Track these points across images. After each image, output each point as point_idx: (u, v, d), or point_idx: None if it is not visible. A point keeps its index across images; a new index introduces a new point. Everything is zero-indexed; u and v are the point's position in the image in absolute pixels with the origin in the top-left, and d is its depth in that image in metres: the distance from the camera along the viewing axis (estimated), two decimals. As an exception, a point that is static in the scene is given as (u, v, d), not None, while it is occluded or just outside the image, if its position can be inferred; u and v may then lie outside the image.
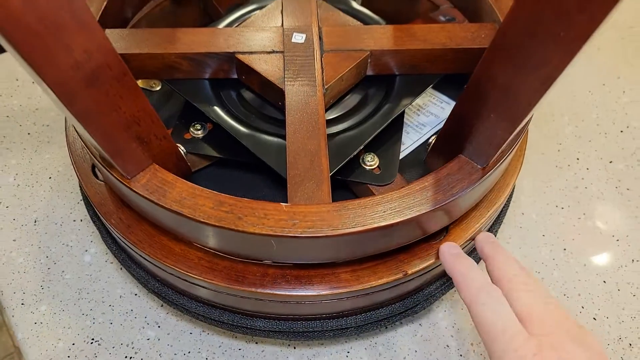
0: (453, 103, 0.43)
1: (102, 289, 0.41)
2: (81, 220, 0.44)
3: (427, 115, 0.44)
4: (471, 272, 0.30)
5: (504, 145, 0.30)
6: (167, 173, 0.30)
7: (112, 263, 0.42)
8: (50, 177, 0.47)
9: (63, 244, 0.43)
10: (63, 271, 0.42)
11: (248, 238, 0.29)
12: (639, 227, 0.45)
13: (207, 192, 0.29)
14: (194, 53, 0.36)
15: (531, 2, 0.22)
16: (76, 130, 0.32)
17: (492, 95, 0.27)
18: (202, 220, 0.28)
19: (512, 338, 0.26)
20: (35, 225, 0.44)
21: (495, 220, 0.40)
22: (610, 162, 0.49)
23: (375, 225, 0.28)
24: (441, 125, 0.42)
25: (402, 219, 0.29)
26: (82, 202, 0.45)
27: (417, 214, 0.29)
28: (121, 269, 0.42)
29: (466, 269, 0.30)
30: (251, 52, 0.37)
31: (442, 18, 0.45)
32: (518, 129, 0.28)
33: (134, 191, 0.29)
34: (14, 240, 0.43)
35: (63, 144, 0.49)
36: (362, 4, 0.46)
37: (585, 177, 0.47)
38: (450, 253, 0.32)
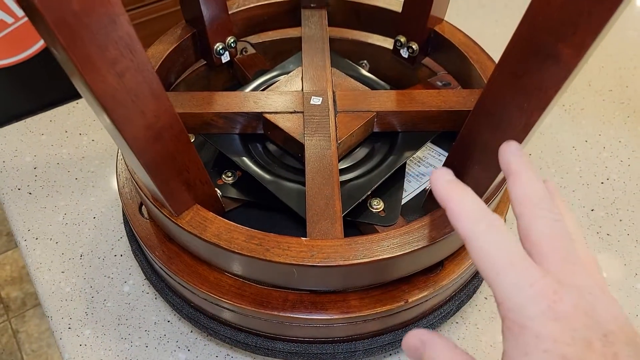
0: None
1: (139, 316, 0.46)
2: (121, 255, 0.50)
3: (427, 166, 0.50)
4: (468, 199, 0.25)
5: (488, 191, 0.36)
6: (207, 212, 0.36)
7: (147, 293, 0.48)
8: (94, 217, 0.53)
9: (105, 276, 0.49)
10: (105, 300, 0.47)
11: (273, 267, 0.34)
12: (619, 268, 0.50)
13: (240, 228, 0.35)
14: (228, 112, 0.43)
15: (499, 83, 0.29)
16: (133, 176, 0.39)
17: (475, 150, 0.33)
18: (236, 251, 0.34)
19: (525, 271, 0.21)
20: (81, 259, 0.50)
21: (486, 259, 0.46)
22: (592, 210, 0.54)
23: (381, 257, 0.34)
24: (439, 175, 0.48)
25: (403, 252, 0.34)
26: (122, 239, 0.51)
27: (416, 248, 0.34)
28: (156, 298, 0.47)
29: (462, 195, 0.25)
30: (276, 112, 0.43)
31: (439, 83, 0.52)
32: (499, 177, 0.34)
33: (180, 227, 0.35)
34: (63, 272, 0.49)
35: (106, 188, 0.55)
36: (370, 72, 0.54)
37: (569, 223, 0.53)
38: (445, 179, 0.26)
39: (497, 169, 0.33)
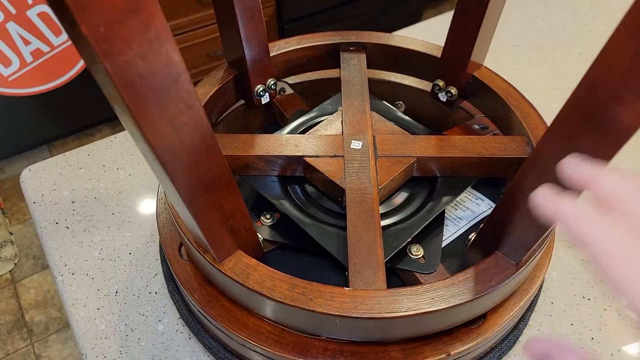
0: (487, 200, 0.49)
1: (173, 357, 0.46)
2: (156, 293, 0.50)
3: (464, 210, 0.49)
4: (580, 206, 0.23)
5: (535, 245, 0.35)
6: (250, 258, 0.36)
7: (181, 333, 0.48)
8: (130, 253, 0.53)
9: (140, 314, 0.49)
10: (139, 338, 0.47)
11: (315, 316, 0.34)
12: (663, 320, 0.48)
13: (282, 276, 0.35)
14: (269, 155, 0.44)
15: (553, 142, 0.28)
16: (176, 219, 0.39)
17: (524, 204, 0.33)
18: (279, 300, 0.34)
19: None
20: (116, 295, 0.50)
21: (527, 309, 0.45)
22: None
23: (425, 310, 0.33)
24: (477, 220, 0.48)
25: (447, 306, 0.34)
26: (157, 276, 0.51)
27: (460, 301, 0.34)
28: (190, 338, 0.47)
29: (572, 204, 0.23)
30: (317, 156, 0.44)
31: (476, 126, 0.52)
32: (547, 232, 0.34)
33: (223, 273, 0.35)
34: (98, 309, 0.49)
35: (141, 223, 0.56)
36: (405, 113, 0.54)
37: (610, 271, 0.52)
38: (549, 197, 0.25)
39: (547, 225, 0.33)
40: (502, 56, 0.78)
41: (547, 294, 0.50)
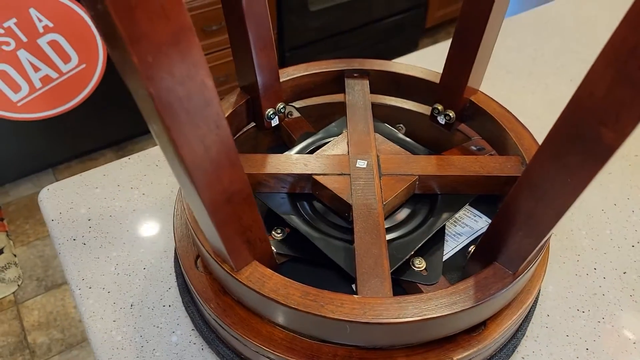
0: (484, 217, 0.52)
1: (187, 366, 0.48)
2: (169, 306, 0.52)
3: (463, 226, 0.52)
4: None
5: (530, 255, 0.38)
6: (265, 268, 0.39)
7: (194, 344, 0.50)
8: (144, 268, 0.56)
9: (154, 326, 0.51)
10: (154, 349, 0.49)
11: (327, 322, 0.37)
12: (654, 331, 0.50)
13: (295, 284, 0.38)
14: (280, 173, 0.47)
15: (544, 159, 0.31)
16: (195, 232, 0.42)
17: (519, 217, 0.36)
18: (293, 306, 0.37)
19: None
20: (131, 308, 0.52)
21: (524, 319, 0.47)
22: (624, 272, 0.56)
23: (430, 316, 0.36)
24: (475, 235, 0.50)
25: (450, 312, 0.36)
26: (170, 290, 0.54)
27: (462, 308, 0.36)
28: (202, 349, 0.49)
29: None
30: (325, 174, 0.47)
31: (473, 148, 0.56)
32: (541, 244, 0.37)
33: (240, 281, 0.38)
34: (114, 321, 0.51)
35: (155, 240, 0.58)
36: (406, 135, 0.57)
37: (602, 285, 0.54)
38: None
39: (540, 236, 0.35)
40: (498, 82, 0.82)
41: (543, 307, 0.52)
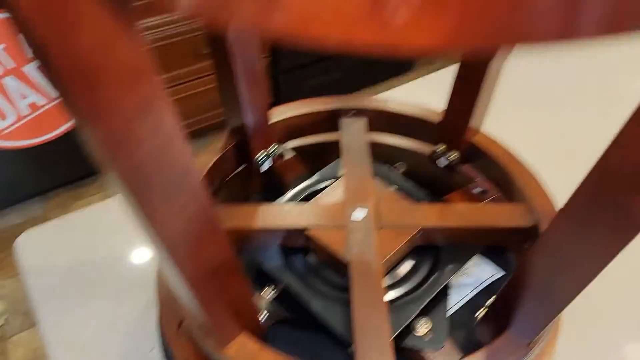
0: (491, 265, 0.48)
1: None
2: (153, 367, 0.49)
3: (467, 277, 0.49)
4: None
5: (547, 325, 0.34)
6: (253, 343, 0.35)
7: (179, 411, 0.46)
8: (126, 323, 0.52)
9: (136, 390, 0.47)
10: (135, 418, 0.45)
11: (323, 404, 0.33)
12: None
13: (288, 360, 0.34)
14: (270, 228, 0.43)
15: (563, 229, 0.28)
16: (178, 301, 0.38)
17: (533, 286, 0.32)
18: (285, 387, 0.33)
19: None
20: (111, 370, 0.48)
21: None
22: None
23: (437, 396, 0.32)
24: (482, 287, 0.47)
25: (460, 392, 0.33)
26: (154, 351, 0.50)
27: (474, 387, 0.33)
28: (188, 417, 0.45)
29: None
30: (318, 227, 0.43)
31: (476, 190, 0.52)
32: (554, 313, 0.33)
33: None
34: (93, 385, 0.47)
35: (138, 293, 0.54)
36: (406, 174, 0.54)
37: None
38: None
39: (556, 306, 0.32)
40: (502, 117, 0.79)
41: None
